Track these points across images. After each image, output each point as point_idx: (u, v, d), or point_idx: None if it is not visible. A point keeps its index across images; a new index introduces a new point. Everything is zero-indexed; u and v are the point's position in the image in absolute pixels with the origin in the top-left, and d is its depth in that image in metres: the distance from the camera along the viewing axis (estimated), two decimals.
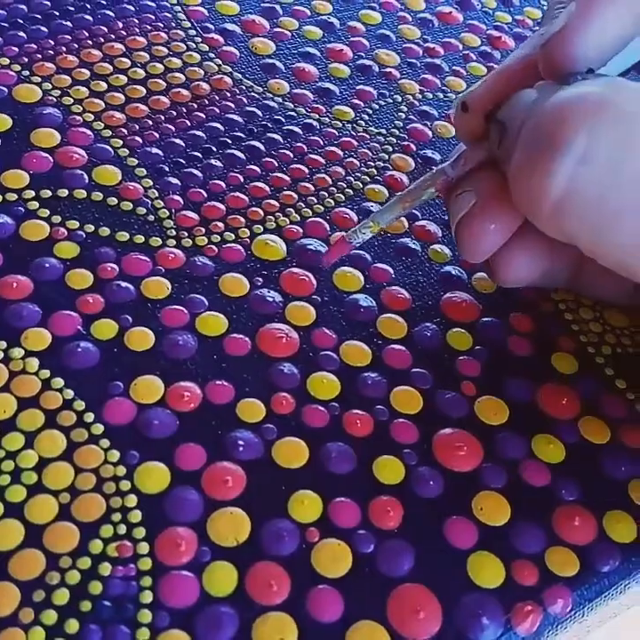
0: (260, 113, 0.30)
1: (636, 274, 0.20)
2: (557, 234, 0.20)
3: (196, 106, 0.29)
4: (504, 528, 0.21)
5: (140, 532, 0.20)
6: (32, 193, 0.26)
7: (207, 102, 0.30)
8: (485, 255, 0.23)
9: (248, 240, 0.26)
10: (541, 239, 0.21)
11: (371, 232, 0.24)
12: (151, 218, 0.26)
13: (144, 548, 0.19)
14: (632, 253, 0.19)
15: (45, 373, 0.22)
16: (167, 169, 0.27)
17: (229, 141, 0.28)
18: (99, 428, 0.21)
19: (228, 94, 0.30)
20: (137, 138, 0.28)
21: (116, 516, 0.20)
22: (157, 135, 0.28)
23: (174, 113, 0.29)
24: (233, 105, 0.30)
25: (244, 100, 0.30)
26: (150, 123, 0.28)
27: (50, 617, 0.18)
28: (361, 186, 0.28)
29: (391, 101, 0.31)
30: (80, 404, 0.22)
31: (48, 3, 0.31)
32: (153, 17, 0.32)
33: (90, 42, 0.30)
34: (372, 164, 0.29)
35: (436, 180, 0.23)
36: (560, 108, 0.19)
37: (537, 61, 0.21)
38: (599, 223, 0.19)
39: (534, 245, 0.22)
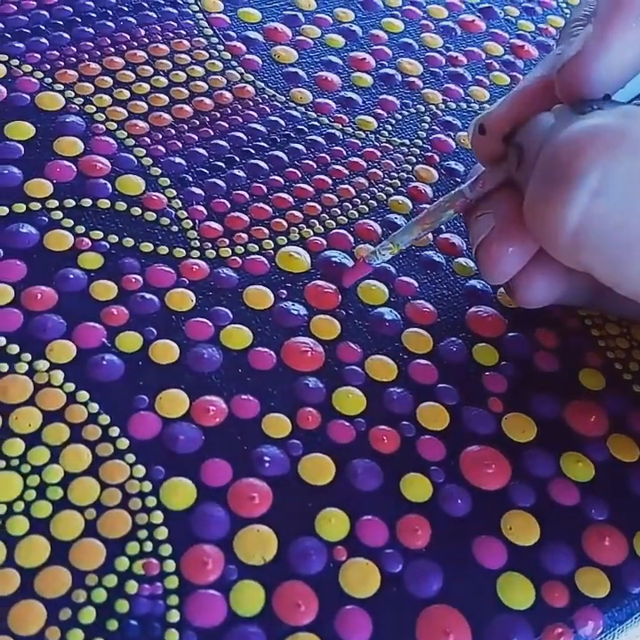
0: (282, 122, 0.29)
1: None
2: (573, 264, 0.20)
3: (218, 115, 0.29)
4: (533, 548, 0.21)
5: (166, 550, 0.20)
6: (56, 202, 0.26)
7: (230, 111, 0.29)
8: (505, 278, 0.23)
9: (272, 252, 0.26)
10: (559, 263, 0.21)
11: (390, 253, 0.24)
12: (175, 228, 0.26)
13: (170, 565, 0.19)
14: None
15: (70, 387, 0.22)
16: (190, 179, 0.27)
17: (253, 151, 0.28)
18: (124, 443, 0.21)
19: (251, 103, 0.30)
20: (160, 147, 0.28)
21: (143, 533, 0.20)
22: (180, 144, 0.28)
23: (197, 122, 0.29)
24: (256, 114, 0.29)
25: (267, 108, 0.30)
26: (173, 132, 0.28)
27: (77, 636, 0.18)
28: (385, 197, 0.28)
29: (414, 111, 0.31)
30: (105, 419, 0.21)
31: (70, 9, 0.31)
32: (175, 24, 0.32)
33: (112, 49, 0.30)
34: (396, 175, 0.29)
35: (455, 201, 0.23)
36: (576, 140, 0.19)
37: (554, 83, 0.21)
38: (614, 255, 0.19)
39: (553, 269, 0.22)
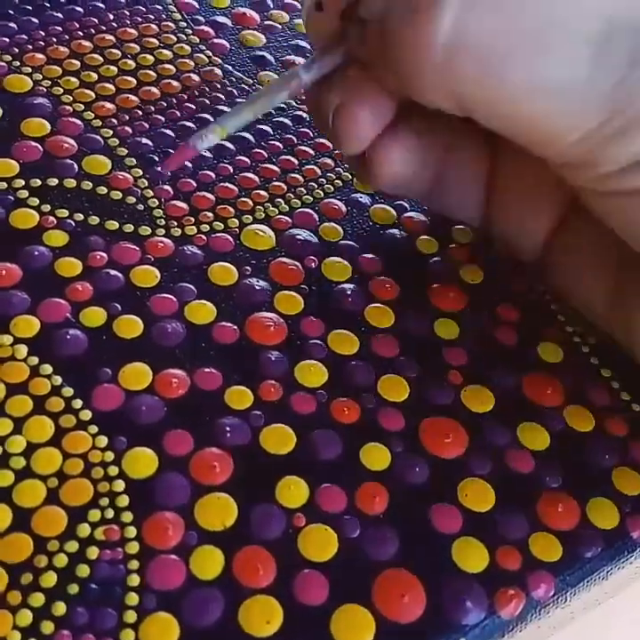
0: None
1: (528, 132, 0.19)
2: (442, 93, 0.19)
3: (186, 97, 0.29)
4: (488, 514, 0.21)
5: (127, 517, 0.20)
6: (22, 182, 0.26)
7: (197, 93, 0.30)
8: (362, 143, 0.22)
9: (237, 230, 0.26)
10: (412, 133, 0.21)
11: (217, 137, 0.23)
12: (141, 207, 0.26)
13: (131, 531, 0.20)
14: (524, 98, 0.18)
15: (34, 360, 0.22)
16: (157, 159, 0.27)
17: None
18: (87, 414, 0.21)
19: (219, 86, 0.30)
20: (127, 128, 0.28)
21: (104, 501, 0.20)
22: (147, 125, 0.28)
23: (164, 104, 0.29)
24: (223, 96, 0.30)
25: (235, 91, 0.30)
26: (140, 113, 0.29)
27: (37, 599, 0.18)
28: (350, 177, 0.28)
29: None
30: (68, 391, 0.22)
31: None
32: (144, 9, 0.32)
33: (80, 33, 0.30)
34: None
35: (290, 82, 0.22)
36: None
37: None
38: (489, 65, 0.18)
39: (407, 138, 0.22)
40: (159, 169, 0.25)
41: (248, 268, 0.25)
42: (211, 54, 0.31)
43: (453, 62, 0.18)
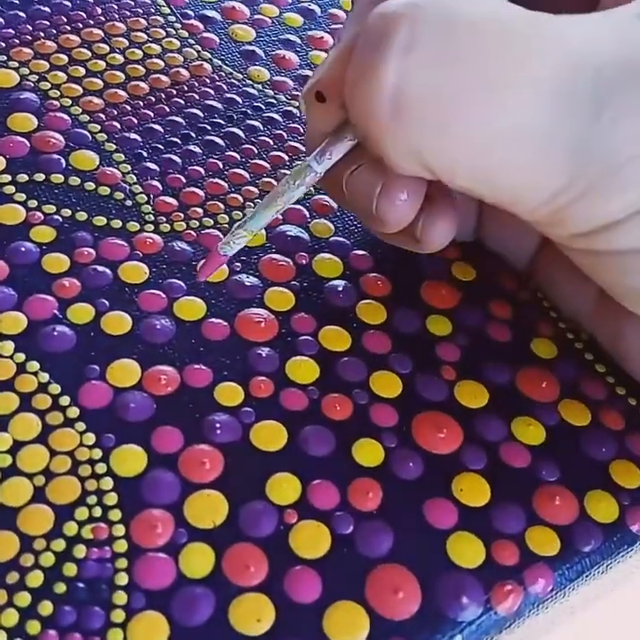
0: (239, 99, 0.29)
1: (491, 192, 0.19)
2: (404, 153, 0.18)
3: (175, 92, 0.29)
4: (484, 508, 0.21)
5: (115, 515, 0.19)
6: (8, 177, 0.25)
7: (186, 88, 0.29)
8: (406, 223, 0.21)
9: (227, 226, 0.26)
10: (447, 196, 0.21)
11: (245, 241, 0.23)
12: (129, 203, 0.26)
13: (120, 530, 0.19)
14: (480, 154, 0.18)
15: (20, 357, 0.22)
16: (145, 154, 0.27)
17: (209, 127, 0.28)
18: (74, 412, 0.21)
19: (208, 81, 0.30)
20: (115, 123, 0.28)
21: (92, 499, 0.20)
22: (136, 121, 0.28)
23: (153, 99, 0.29)
24: (212, 91, 0.29)
25: (224, 86, 0.30)
26: (129, 108, 0.28)
27: (23, 599, 0.18)
28: None
29: None
30: (56, 388, 0.21)
31: None
32: (132, 3, 0.32)
33: (68, 27, 0.30)
34: None
35: (305, 177, 0.22)
36: (378, 12, 0.18)
37: None
38: (440, 116, 0.17)
39: (447, 206, 0.22)
40: (197, 280, 0.24)
41: (238, 264, 0.25)
42: (200, 49, 0.31)
43: (403, 116, 0.18)
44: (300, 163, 0.22)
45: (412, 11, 0.18)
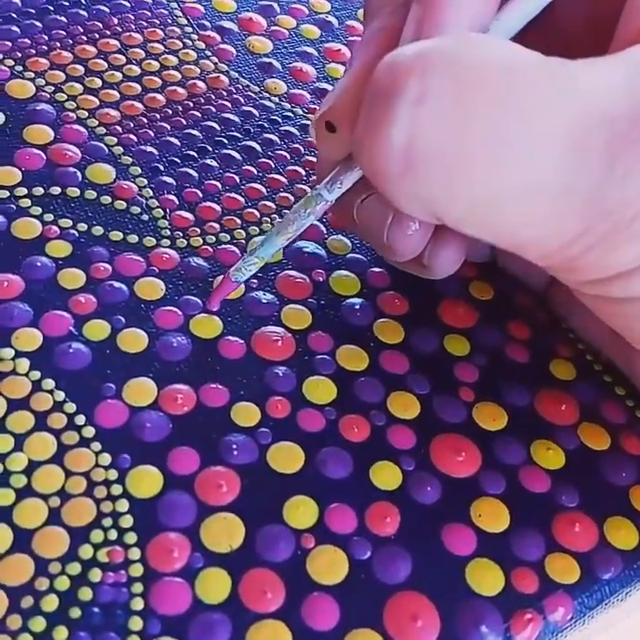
0: (256, 112, 0.29)
1: (503, 241, 0.19)
2: (413, 204, 0.18)
3: (191, 104, 0.29)
4: (503, 535, 0.21)
5: (131, 538, 0.19)
6: (24, 190, 0.25)
7: (203, 101, 0.29)
8: (417, 251, 0.22)
9: (244, 241, 0.26)
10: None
11: (255, 267, 0.23)
12: (145, 217, 0.25)
13: (135, 553, 0.19)
14: (492, 207, 0.17)
15: (36, 374, 0.22)
16: (162, 168, 0.27)
17: (225, 141, 0.28)
18: (90, 431, 0.21)
19: (225, 93, 0.30)
20: (131, 136, 0.27)
21: (107, 521, 0.19)
22: (152, 133, 0.28)
23: (170, 111, 0.29)
24: (229, 104, 0.29)
25: (241, 99, 0.30)
26: (145, 121, 0.28)
27: (38, 624, 0.18)
28: None
29: None
30: (71, 407, 0.21)
31: None
32: (149, 13, 0.31)
33: (84, 37, 0.30)
34: None
35: (315, 207, 0.22)
36: (387, 63, 0.18)
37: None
38: (450, 171, 0.17)
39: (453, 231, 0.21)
40: (208, 308, 0.24)
41: (255, 280, 0.25)
42: (217, 60, 0.31)
43: (412, 172, 0.17)
44: (310, 192, 0.22)
45: (422, 62, 0.17)
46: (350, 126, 0.20)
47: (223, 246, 0.25)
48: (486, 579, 0.20)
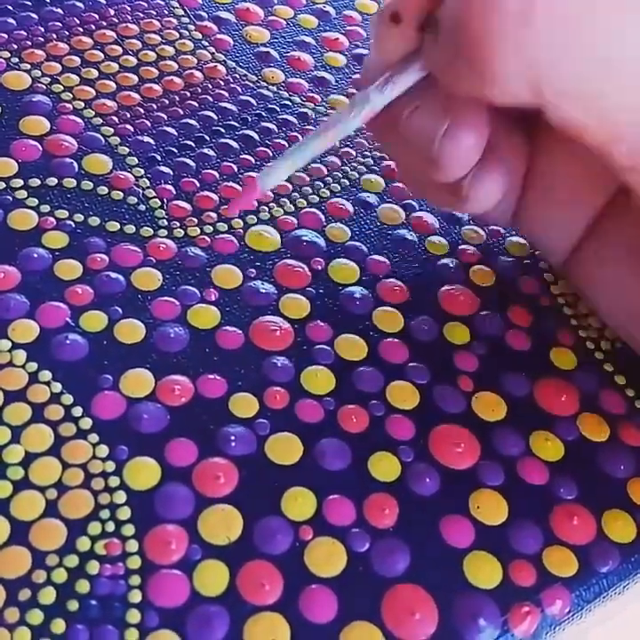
0: (254, 102, 0.29)
1: (600, 124, 0.17)
2: (517, 75, 0.17)
3: (188, 94, 0.29)
4: (501, 527, 0.20)
5: (128, 530, 0.19)
6: (20, 182, 0.25)
7: (200, 91, 0.29)
8: (466, 169, 0.20)
9: (241, 231, 0.25)
10: (497, 157, 0.20)
11: (286, 172, 0.21)
12: (142, 208, 0.25)
13: (133, 545, 0.19)
14: (606, 71, 0.16)
15: (33, 366, 0.21)
16: (159, 158, 0.27)
17: (223, 130, 0.28)
18: (87, 423, 0.21)
19: (222, 83, 0.29)
20: (128, 126, 0.27)
21: (105, 513, 0.19)
22: (149, 123, 0.28)
23: (167, 101, 0.28)
24: (226, 93, 0.29)
25: (238, 88, 0.29)
26: (142, 111, 0.28)
27: (36, 617, 0.18)
28: (357, 176, 0.28)
29: None
30: (68, 398, 0.21)
31: None
32: (145, 4, 0.31)
33: (80, 29, 0.30)
34: (368, 153, 0.28)
35: (361, 109, 0.20)
36: None
37: None
38: (571, 26, 0.16)
39: (498, 163, 0.21)
40: (228, 213, 0.23)
41: (252, 270, 0.25)
42: (214, 51, 0.30)
43: (531, 23, 0.16)
44: (356, 94, 0.20)
45: None
46: (417, 18, 0.19)
47: (221, 236, 0.25)
48: (484, 571, 0.20)
